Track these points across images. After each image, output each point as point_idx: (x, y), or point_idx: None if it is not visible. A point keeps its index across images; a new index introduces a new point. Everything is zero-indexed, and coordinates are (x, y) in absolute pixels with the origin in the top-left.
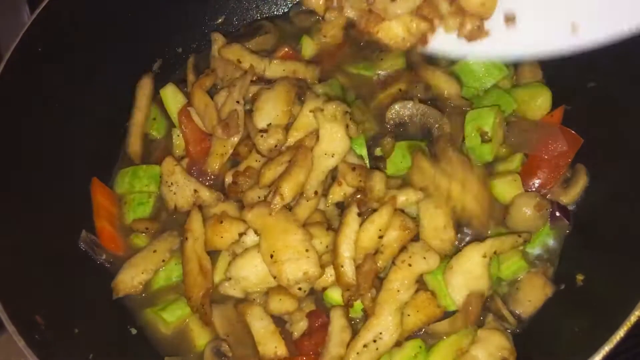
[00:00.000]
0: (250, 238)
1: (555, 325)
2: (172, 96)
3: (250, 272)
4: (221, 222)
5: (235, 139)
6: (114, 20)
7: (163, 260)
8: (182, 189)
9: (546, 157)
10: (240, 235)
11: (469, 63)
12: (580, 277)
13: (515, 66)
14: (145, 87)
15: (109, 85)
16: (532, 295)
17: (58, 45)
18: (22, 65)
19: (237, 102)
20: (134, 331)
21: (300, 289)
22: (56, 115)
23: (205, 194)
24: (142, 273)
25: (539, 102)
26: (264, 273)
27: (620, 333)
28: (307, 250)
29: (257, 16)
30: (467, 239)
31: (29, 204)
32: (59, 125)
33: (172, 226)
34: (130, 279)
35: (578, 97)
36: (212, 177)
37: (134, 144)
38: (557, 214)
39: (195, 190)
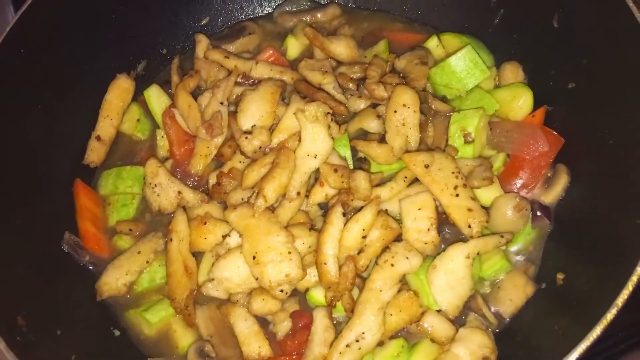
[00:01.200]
0: (234, 239)
1: (536, 323)
2: (156, 97)
3: (233, 273)
4: (205, 223)
5: (219, 140)
6: (98, 22)
7: (147, 262)
8: (166, 191)
9: (528, 157)
10: (224, 237)
11: (451, 64)
12: (560, 277)
13: (497, 67)
14: (115, 89)
15: (92, 86)
16: (514, 295)
17: (42, 46)
18: (6, 65)
19: (221, 103)
20: (117, 333)
21: (282, 291)
22: (39, 116)
23: (189, 195)
24: (126, 274)
25: (520, 103)
26: (247, 274)
27: (597, 331)
28: (289, 253)
29: (242, 17)
30: (448, 237)
31: (11, 205)
32: (42, 126)
33: (156, 227)
34: (114, 281)
35: (559, 98)
36: (196, 178)
37: (90, 154)
38: (539, 213)
39: (179, 192)
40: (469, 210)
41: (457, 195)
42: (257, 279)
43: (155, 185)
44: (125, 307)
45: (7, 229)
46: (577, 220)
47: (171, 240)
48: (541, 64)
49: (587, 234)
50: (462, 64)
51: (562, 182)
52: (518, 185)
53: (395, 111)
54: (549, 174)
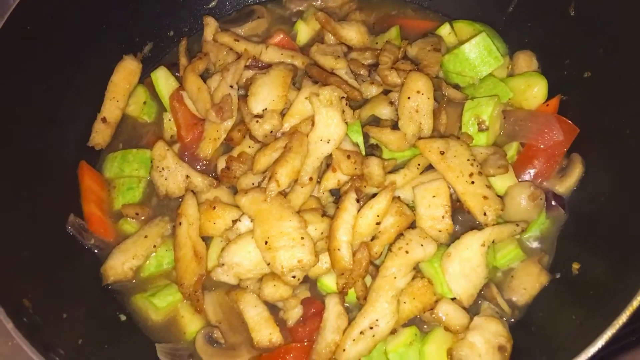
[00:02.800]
0: (244, 224)
1: (553, 314)
2: (163, 80)
3: (244, 258)
4: (214, 208)
5: (229, 123)
6: (104, 2)
7: (154, 246)
8: (174, 175)
9: (542, 146)
10: (234, 222)
11: (465, 51)
12: (576, 266)
13: (510, 56)
14: (121, 71)
15: (98, 67)
16: (527, 284)
17: (46, 26)
18: (10, 47)
19: (231, 86)
20: (123, 318)
21: (294, 277)
22: (44, 97)
23: (198, 180)
24: (133, 259)
25: (534, 92)
26: (258, 259)
27: (623, 318)
28: (302, 238)
29: (250, 1)
30: (461, 225)
31: (16, 187)
32: (47, 108)
33: (163, 211)
34: (120, 265)
35: (574, 87)
36: (205, 162)
37: (95, 136)
38: (553, 203)
39: (187, 176)
40: (485, 198)
41: (473, 182)
42: (268, 265)
43: (163, 168)
44: (132, 292)
45: (12, 212)
46: (592, 210)
47: (180, 224)
48: (556, 52)
49: (603, 224)
50: (476, 51)
51: (576, 171)
52: (532, 174)
53: (408, 97)
54: (564, 164)
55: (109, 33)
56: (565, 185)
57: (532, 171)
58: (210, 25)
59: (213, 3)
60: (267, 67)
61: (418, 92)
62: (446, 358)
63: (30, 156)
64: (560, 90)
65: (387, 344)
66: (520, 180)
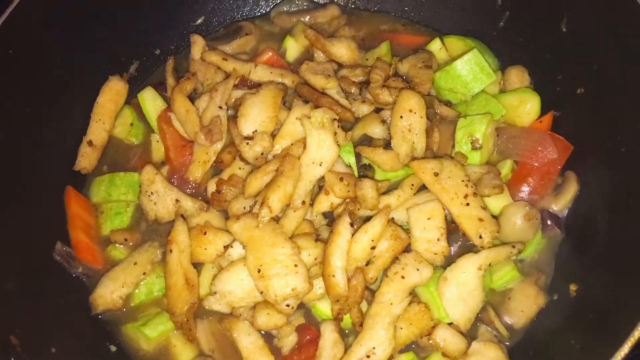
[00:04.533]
0: (236, 251)
1: (551, 337)
2: (150, 100)
3: (237, 286)
4: (205, 233)
5: (219, 145)
6: (88, 22)
7: (144, 273)
8: (163, 199)
9: (536, 164)
10: (226, 247)
11: (456, 68)
12: (573, 288)
13: (502, 71)
14: (106, 92)
15: (83, 88)
16: (525, 306)
17: (30, 48)
18: None
19: (220, 107)
20: (113, 348)
21: (288, 305)
22: (28, 120)
23: (188, 204)
24: (122, 287)
25: (527, 108)
26: (251, 287)
27: (625, 349)
28: (295, 265)
29: (238, 17)
30: (456, 248)
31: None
32: (31, 131)
33: (152, 236)
34: (109, 294)
35: (567, 104)
36: (194, 185)
37: (81, 160)
38: (549, 222)
39: (177, 200)
40: (480, 220)
41: (468, 204)
42: (261, 293)
43: (152, 193)
44: (122, 322)
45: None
46: (589, 229)
47: (171, 251)
48: (548, 68)
49: (600, 243)
50: (467, 68)
51: (571, 189)
52: (526, 192)
53: (401, 116)
54: (558, 182)
55: (94, 53)
56: (561, 204)
57: (527, 189)
58: (198, 44)
59: (200, 20)
60: (257, 86)
61: (410, 110)
62: None
63: (13, 182)
64: (553, 106)
65: None
66: (514, 198)
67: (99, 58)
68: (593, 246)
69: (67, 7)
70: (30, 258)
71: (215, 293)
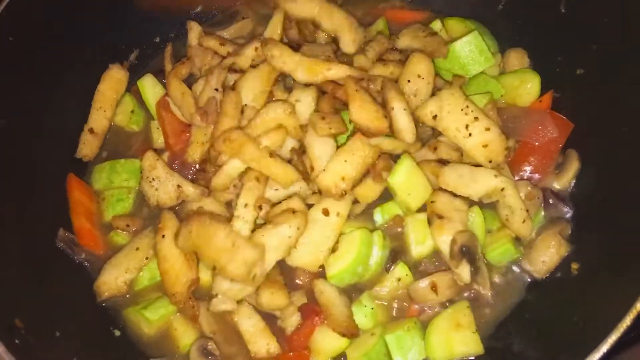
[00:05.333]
0: None
1: (554, 315)
2: (150, 87)
3: (230, 284)
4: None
5: None
6: (89, 10)
7: (146, 258)
8: (165, 184)
9: (537, 143)
10: None
11: (456, 49)
12: (575, 266)
13: (501, 53)
14: (107, 80)
15: (84, 77)
16: (546, 255)
17: (30, 36)
18: None
19: (216, 89)
20: (117, 333)
21: (254, 277)
22: (29, 109)
23: (189, 189)
24: (126, 272)
25: (528, 87)
26: None
27: (627, 321)
28: (233, 244)
29: (237, 3)
30: None
31: (2, 202)
32: (33, 120)
33: (154, 222)
34: (113, 280)
35: (567, 84)
36: (194, 170)
37: (83, 147)
38: (551, 201)
39: (179, 185)
40: (484, 146)
41: (470, 134)
42: (231, 281)
43: (153, 179)
44: (124, 306)
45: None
46: (590, 208)
47: (163, 236)
48: (547, 50)
49: (601, 221)
50: (467, 50)
51: (573, 167)
52: (528, 171)
53: (408, 81)
54: (560, 160)
55: (94, 42)
56: (563, 182)
57: (528, 169)
58: (194, 30)
59: (199, 8)
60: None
61: (419, 76)
62: (451, 346)
63: (16, 170)
64: (552, 87)
65: (385, 329)
66: (516, 178)
67: (100, 46)
68: (594, 225)
69: None
70: (34, 244)
71: (217, 295)
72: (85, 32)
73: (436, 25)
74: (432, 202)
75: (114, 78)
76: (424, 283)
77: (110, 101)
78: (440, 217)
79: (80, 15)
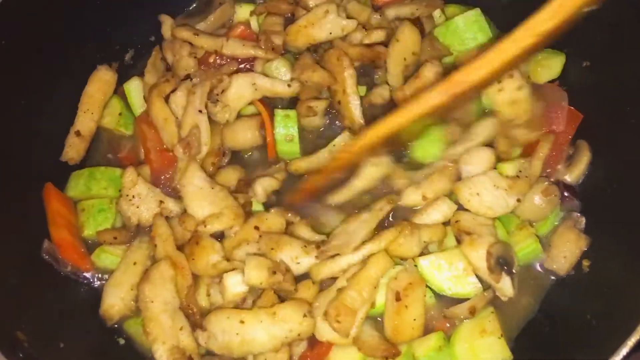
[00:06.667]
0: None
1: (566, 313)
2: (137, 92)
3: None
4: (197, 242)
5: (203, 152)
6: (82, 10)
7: (146, 270)
8: (146, 201)
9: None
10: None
11: (457, 23)
12: (586, 264)
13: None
14: (95, 82)
15: (78, 78)
16: (567, 250)
17: (23, 36)
18: None
19: (200, 111)
20: (121, 341)
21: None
22: (17, 111)
23: (170, 204)
24: (131, 289)
25: (549, 63)
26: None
27: None
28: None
29: None
30: None
31: None
32: (20, 122)
33: (140, 232)
34: (120, 301)
35: (573, 78)
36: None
37: (69, 150)
38: (566, 194)
39: (161, 201)
40: (514, 103)
41: (502, 90)
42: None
43: (134, 196)
44: (126, 317)
45: None
46: (601, 202)
47: (156, 246)
48: (553, 44)
49: (612, 216)
50: (468, 25)
51: (584, 158)
52: None
53: (404, 59)
54: (570, 152)
55: (89, 42)
56: (575, 174)
57: None
58: (166, 23)
59: (194, 5)
60: (236, 61)
61: (414, 54)
62: (476, 354)
63: (7, 175)
64: (559, 81)
65: (415, 350)
66: None
67: (93, 47)
68: (605, 219)
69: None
70: (33, 254)
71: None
72: (79, 33)
73: (436, 11)
74: (456, 221)
75: (102, 80)
76: (463, 308)
77: (98, 103)
78: (469, 233)
79: (73, 16)
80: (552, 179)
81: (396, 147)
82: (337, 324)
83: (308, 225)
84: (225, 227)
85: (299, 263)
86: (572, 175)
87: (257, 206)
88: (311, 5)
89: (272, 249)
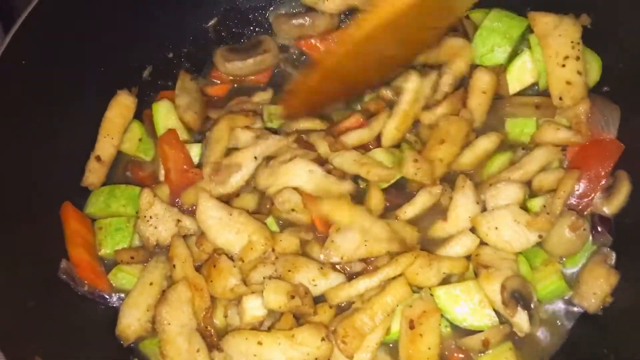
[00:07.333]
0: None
1: (586, 346)
2: (163, 114)
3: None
4: (214, 265)
5: (220, 189)
6: (100, 28)
7: (163, 291)
8: (164, 220)
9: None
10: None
11: (488, 24)
12: (608, 299)
13: None
14: (115, 106)
15: (96, 99)
16: (597, 287)
17: (40, 61)
18: (2, 84)
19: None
20: None
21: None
22: (37, 135)
23: (187, 223)
24: (147, 310)
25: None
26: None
27: None
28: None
29: (251, 17)
30: None
31: (10, 236)
32: (42, 146)
33: (158, 251)
34: (136, 322)
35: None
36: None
37: (89, 176)
38: (599, 228)
39: (179, 220)
40: (568, 83)
41: (564, 65)
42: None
43: (151, 217)
44: (140, 339)
45: (12, 259)
46: (630, 234)
47: (174, 266)
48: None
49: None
50: (499, 20)
51: (624, 190)
52: (575, 195)
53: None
54: (609, 183)
55: (106, 60)
56: (614, 205)
57: (575, 192)
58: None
59: (213, 21)
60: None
61: (484, 92)
62: None
63: (24, 196)
64: None
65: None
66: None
67: (112, 65)
68: (633, 254)
69: (79, 14)
70: (50, 273)
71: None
72: (98, 51)
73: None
74: (476, 255)
75: (122, 104)
76: (476, 339)
77: (118, 128)
78: (487, 267)
79: (92, 34)
80: (587, 211)
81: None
82: (343, 344)
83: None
84: (261, 254)
85: (315, 285)
86: (611, 207)
87: (272, 226)
88: None
89: (289, 270)
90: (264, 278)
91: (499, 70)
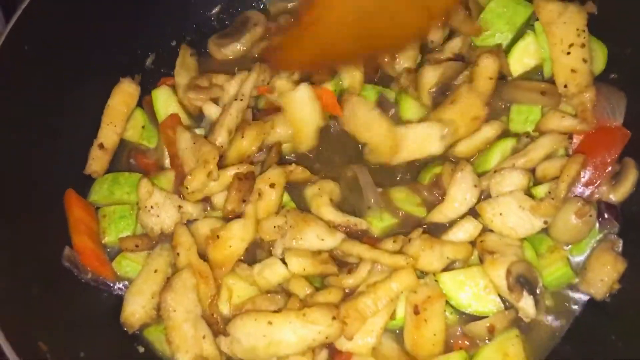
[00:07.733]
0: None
1: (594, 337)
2: (163, 101)
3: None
4: (217, 237)
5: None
6: (103, 16)
7: (168, 278)
8: (166, 208)
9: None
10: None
11: (492, 8)
12: (616, 286)
13: None
14: (118, 94)
15: (99, 86)
16: (604, 274)
17: (43, 48)
18: (4, 71)
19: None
20: (141, 349)
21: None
22: (39, 123)
23: (189, 208)
24: (152, 298)
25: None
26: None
27: None
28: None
29: (254, 4)
30: None
31: (14, 224)
32: (44, 134)
33: (162, 239)
34: (141, 309)
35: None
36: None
37: (92, 163)
38: (606, 215)
39: (180, 206)
40: (573, 71)
41: (569, 53)
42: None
43: (152, 206)
44: (145, 325)
45: (16, 247)
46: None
47: (178, 254)
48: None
49: None
50: (503, 4)
51: (631, 177)
52: (581, 182)
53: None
54: (616, 170)
55: (110, 47)
56: (620, 193)
57: (581, 179)
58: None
59: (216, 9)
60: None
61: (490, 78)
62: None
63: (27, 184)
64: None
65: None
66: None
67: (115, 52)
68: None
69: (82, 1)
70: (54, 260)
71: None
72: (101, 39)
73: None
74: (481, 241)
75: (125, 92)
76: (481, 325)
77: (121, 116)
78: (492, 253)
79: (96, 21)
80: (594, 198)
81: None
82: (343, 325)
83: (333, 205)
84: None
85: (323, 240)
86: (617, 195)
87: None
88: None
89: (298, 223)
90: (274, 227)
91: (499, 52)
